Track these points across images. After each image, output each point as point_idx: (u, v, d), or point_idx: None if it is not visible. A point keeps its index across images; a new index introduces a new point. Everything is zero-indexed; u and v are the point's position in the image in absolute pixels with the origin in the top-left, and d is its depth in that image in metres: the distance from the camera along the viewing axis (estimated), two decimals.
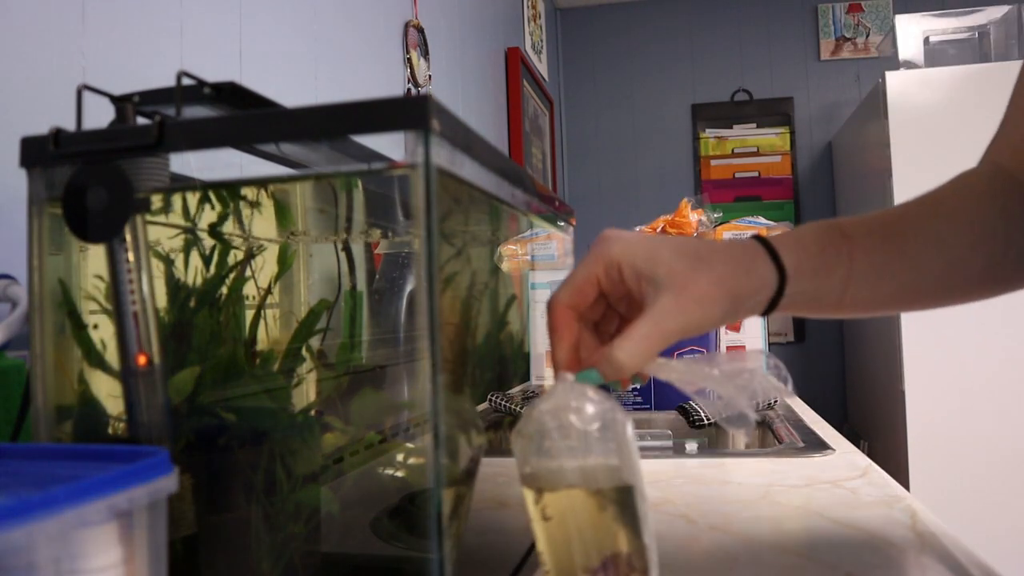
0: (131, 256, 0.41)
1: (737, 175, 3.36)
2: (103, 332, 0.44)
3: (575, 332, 0.48)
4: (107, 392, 0.44)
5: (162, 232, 0.45)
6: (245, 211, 0.47)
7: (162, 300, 0.44)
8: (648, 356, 0.46)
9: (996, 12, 2.56)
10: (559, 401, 0.43)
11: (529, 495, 0.44)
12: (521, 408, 0.62)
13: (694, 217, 1.86)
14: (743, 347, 1.66)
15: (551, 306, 0.48)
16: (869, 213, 0.54)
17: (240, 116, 0.42)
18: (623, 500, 0.43)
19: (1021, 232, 0.55)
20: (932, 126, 2.30)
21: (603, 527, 0.43)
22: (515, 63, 2.53)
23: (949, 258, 0.54)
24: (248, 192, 0.46)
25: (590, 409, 0.43)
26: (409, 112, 0.37)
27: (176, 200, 0.45)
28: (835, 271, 0.51)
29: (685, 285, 0.46)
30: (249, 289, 0.45)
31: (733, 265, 0.47)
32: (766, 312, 0.51)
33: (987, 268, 0.55)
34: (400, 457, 0.46)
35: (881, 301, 0.54)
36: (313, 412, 0.45)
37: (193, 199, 0.45)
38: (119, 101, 0.44)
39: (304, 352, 0.45)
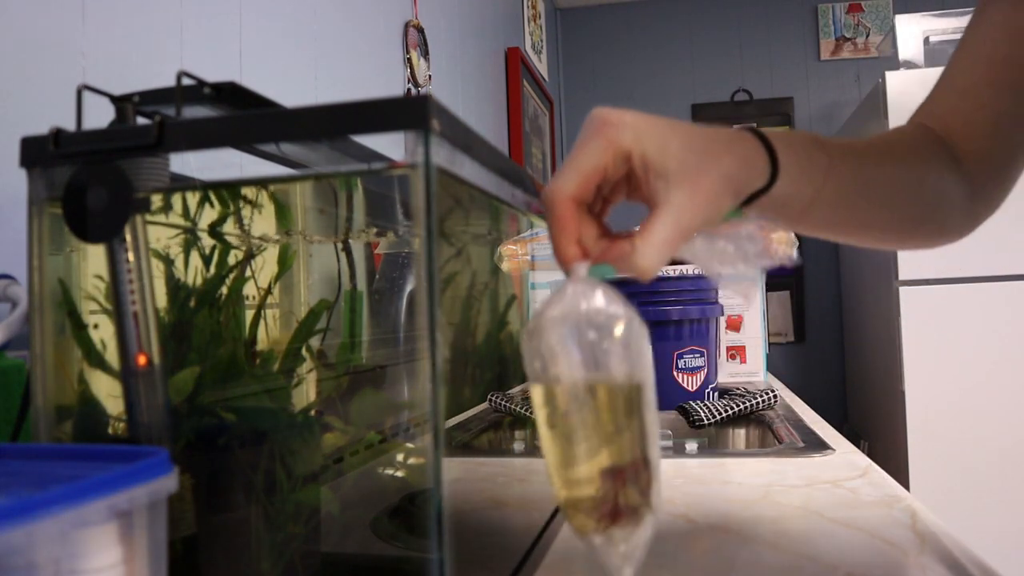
0: (131, 256, 0.41)
1: None
2: (103, 332, 0.44)
3: (579, 225, 0.46)
4: (107, 392, 0.44)
5: (162, 232, 0.45)
6: (245, 211, 0.47)
7: (162, 300, 0.44)
8: (668, 258, 0.45)
9: None
10: (572, 301, 0.42)
11: (537, 393, 0.42)
12: (521, 408, 0.62)
13: None
14: (743, 347, 1.67)
15: (553, 198, 0.46)
16: (843, 139, 0.56)
17: (240, 116, 0.42)
18: (631, 400, 0.42)
19: (944, 185, 0.58)
20: None
21: (609, 431, 0.42)
22: (515, 63, 2.53)
23: (897, 199, 0.56)
24: (248, 192, 0.46)
25: (603, 311, 0.42)
26: (409, 112, 0.37)
27: (176, 200, 0.45)
28: (810, 183, 0.52)
29: (697, 182, 0.45)
30: (249, 289, 0.45)
31: (739, 162, 0.47)
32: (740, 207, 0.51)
33: (924, 213, 0.58)
34: (400, 457, 0.46)
35: (834, 225, 0.56)
36: (313, 412, 0.45)
37: (193, 199, 0.45)
38: (119, 101, 0.44)
39: (304, 352, 0.45)
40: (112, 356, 0.43)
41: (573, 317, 0.42)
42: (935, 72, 2.47)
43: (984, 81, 0.57)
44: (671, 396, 1.27)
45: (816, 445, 0.93)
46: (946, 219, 0.60)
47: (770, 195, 0.50)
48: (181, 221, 0.45)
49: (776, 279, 3.20)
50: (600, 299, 0.42)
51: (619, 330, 0.42)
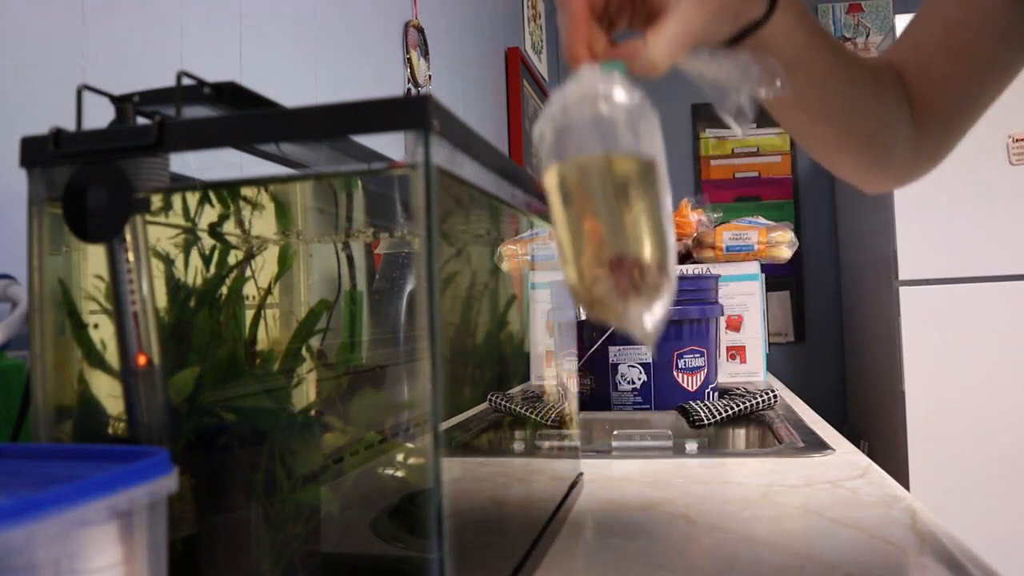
0: (131, 256, 0.41)
1: (737, 175, 3.36)
2: (103, 332, 0.44)
3: (591, 28, 0.47)
4: (107, 392, 0.44)
5: (162, 232, 0.45)
6: (245, 211, 0.47)
7: (162, 300, 0.44)
8: (678, 56, 0.47)
9: None
10: (588, 85, 0.43)
11: (551, 174, 0.43)
12: (521, 408, 0.62)
13: (694, 217, 1.86)
14: (743, 347, 1.66)
15: (565, 3, 0.47)
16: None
17: (240, 116, 0.42)
18: (644, 178, 0.43)
19: (898, 115, 0.60)
20: None
21: (622, 212, 0.42)
22: (515, 63, 2.53)
23: (858, 101, 0.58)
24: (248, 192, 0.46)
25: (621, 96, 0.43)
26: (409, 112, 0.37)
27: (176, 200, 0.45)
28: (797, 39, 0.54)
29: None
30: (249, 289, 0.45)
31: None
32: (733, 41, 0.53)
33: (875, 131, 0.60)
34: (400, 457, 0.46)
35: (801, 106, 0.58)
36: (313, 412, 0.45)
37: (193, 199, 0.45)
38: (119, 101, 0.44)
39: (304, 352, 0.45)
40: (112, 356, 0.43)
41: (590, 96, 0.43)
42: None
43: (936, 41, 0.58)
44: (671, 396, 1.27)
45: (816, 445, 0.93)
46: (891, 151, 0.61)
47: (761, 36, 0.52)
48: (181, 221, 0.45)
49: (776, 279, 3.20)
50: (615, 82, 0.44)
51: (633, 109, 0.43)
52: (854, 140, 0.61)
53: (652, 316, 0.42)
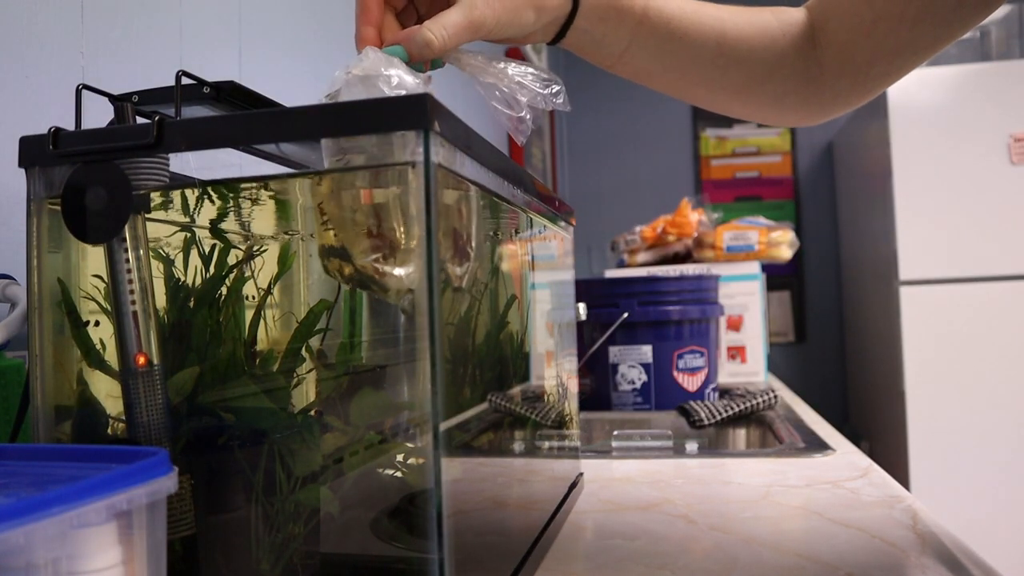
0: (130, 256, 0.41)
1: (737, 175, 3.36)
2: (103, 332, 0.44)
3: (381, 14, 0.52)
4: (107, 392, 0.44)
5: (162, 232, 0.45)
6: (245, 210, 0.47)
7: (162, 300, 0.44)
8: (454, 40, 0.50)
9: (998, 11, 2.55)
10: (371, 66, 0.45)
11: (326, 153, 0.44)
12: (522, 408, 0.62)
13: (694, 217, 1.86)
14: (743, 347, 1.66)
15: None
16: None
17: (240, 116, 0.42)
18: None
19: (779, 77, 0.61)
20: (933, 125, 2.31)
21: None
22: None
23: (716, 64, 0.60)
24: (248, 191, 0.46)
25: (398, 79, 0.45)
26: (409, 112, 0.37)
27: (176, 200, 0.45)
28: (623, 24, 0.57)
29: None
30: (249, 289, 0.45)
31: None
32: (557, 38, 0.57)
33: (742, 90, 0.62)
34: (400, 457, 0.46)
35: (653, 75, 0.61)
36: (313, 412, 0.45)
37: (192, 198, 0.45)
38: (118, 101, 0.44)
39: (304, 352, 0.45)
40: (112, 356, 0.43)
41: (370, 77, 0.45)
42: (936, 71, 2.45)
43: None
44: (671, 396, 1.27)
45: (817, 445, 0.93)
46: (782, 95, 0.62)
47: (580, 28, 0.56)
48: (181, 221, 0.45)
49: (777, 279, 3.20)
50: (394, 65, 0.46)
51: (411, 92, 0.45)
52: (731, 88, 0.62)
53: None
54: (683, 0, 0.59)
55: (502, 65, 0.52)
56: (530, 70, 0.53)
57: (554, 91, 0.53)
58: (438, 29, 0.50)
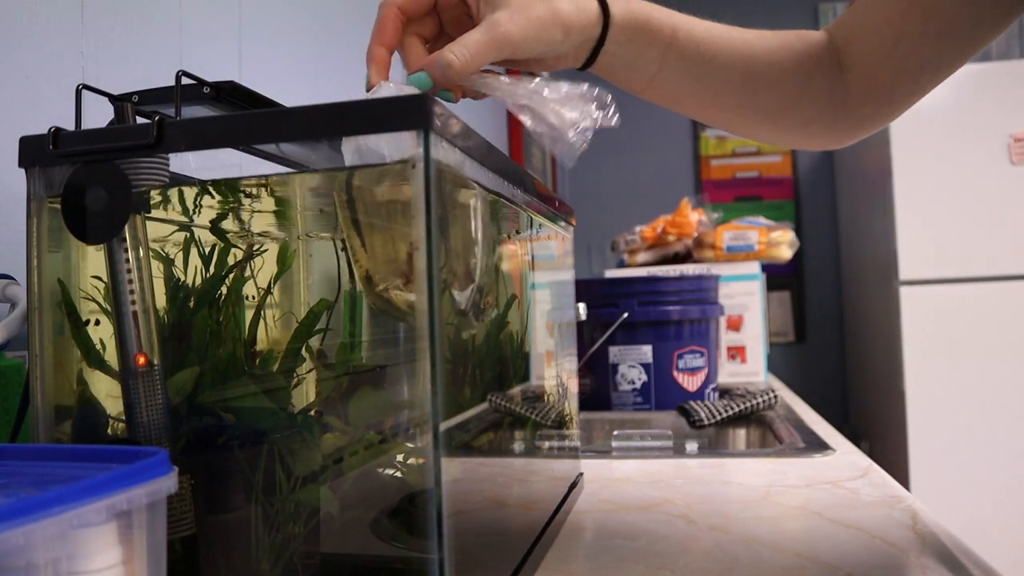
0: (130, 256, 0.41)
1: (737, 175, 3.36)
2: (103, 332, 0.44)
3: (397, 35, 0.51)
4: (107, 392, 0.44)
5: (162, 232, 0.45)
6: (245, 210, 0.47)
7: (162, 300, 0.44)
8: (477, 59, 0.48)
9: None
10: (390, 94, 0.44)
11: (339, 196, 0.44)
12: (522, 408, 0.62)
13: (694, 217, 1.86)
14: (743, 347, 1.66)
15: (382, 5, 0.51)
16: (703, 21, 0.59)
17: (240, 116, 0.42)
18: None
19: (807, 99, 0.61)
20: (933, 125, 2.30)
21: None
22: None
23: (745, 87, 0.60)
24: (247, 191, 0.46)
25: None
26: (409, 111, 0.37)
27: (175, 200, 0.45)
28: (653, 46, 0.56)
29: (522, 6, 0.49)
30: (249, 289, 0.45)
31: (568, 2, 0.52)
32: (588, 61, 0.56)
33: (771, 113, 0.62)
34: (400, 457, 0.46)
35: (683, 100, 0.60)
36: (313, 412, 0.45)
37: (192, 198, 0.45)
38: (118, 100, 0.44)
39: (304, 352, 0.45)
40: (112, 356, 0.43)
41: None
42: None
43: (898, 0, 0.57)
44: (671, 396, 1.27)
45: (817, 445, 0.93)
46: (810, 119, 0.62)
47: (610, 52, 0.55)
48: (180, 220, 0.45)
49: (777, 279, 3.20)
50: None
51: None
52: (759, 112, 0.61)
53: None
54: (710, 24, 0.59)
55: (533, 83, 0.50)
56: (568, 87, 0.51)
57: (602, 107, 0.52)
58: (459, 49, 0.48)
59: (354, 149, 0.40)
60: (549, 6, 0.51)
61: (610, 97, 0.52)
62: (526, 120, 0.51)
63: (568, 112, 0.51)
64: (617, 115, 0.52)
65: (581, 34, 0.53)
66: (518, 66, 0.56)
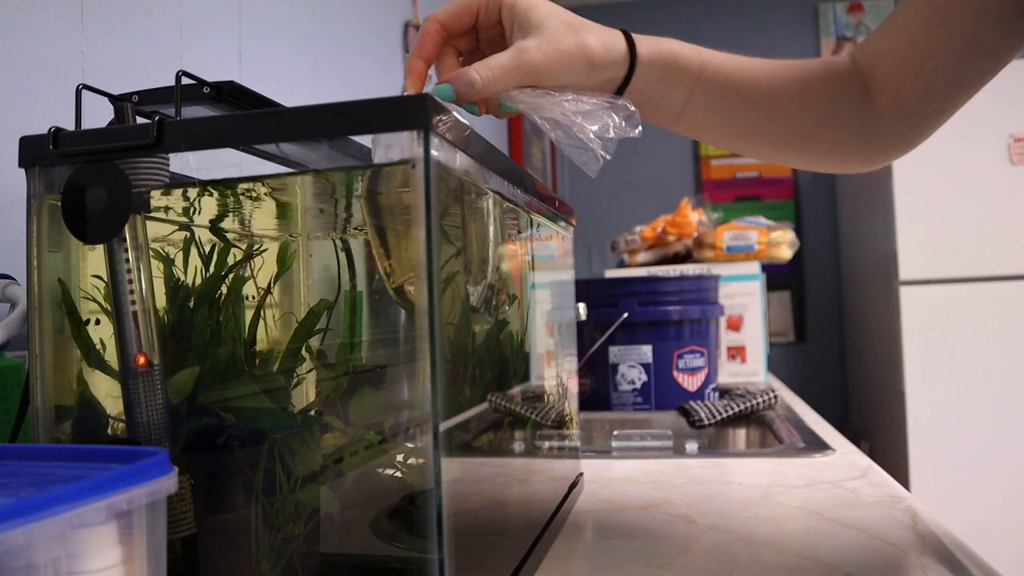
0: (130, 256, 0.41)
1: (738, 175, 3.36)
2: (103, 332, 0.44)
3: (437, 49, 0.54)
4: (107, 392, 0.44)
5: (162, 231, 0.45)
6: (245, 210, 0.47)
7: (162, 300, 0.44)
8: (499, 82, 0.50)
9: None
10: None
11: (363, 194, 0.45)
12: (522, 408, 0.62)
13: (694, 217, 1.86)
14: (743, 347, 1.66)
15: (425, 20, 0.53)
16: (728, 55, 0.60)
17: (240, 116, 0.42)
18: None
19: (836, 123, 0.61)
20: None
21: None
22: None
23: (774, 116, 0.60)
24: (247, 191, 0.46)
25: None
26: (409, 111, 0.37)
27: (175, 200, 0.45)
28: (681, 83, 0.57)
29: (552, 37, 0.51)
30: (249, 289, 0.45)
31: (598, 38, 0.54)
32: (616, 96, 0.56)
33: (801, 139, 0.62)
34: (400, 457, 0.46)
35: (713, 131, 0.61)
36: (313, 412, 0.45)
37: (192, 198, 0.45)
38: (118, 101, 0.44)
39: (304, 352, 0.45)
40: (112, 356, 0.43)
41: None
42: None
43: (921, 19, 0.57)
44: (671, 396, 1.27)
45: (817, 445, 0.93)
46: (841, 143, 0.62)
47: (637, 89, 0.56)
48: (180, 220, 0.45)
49: (776, 279, 3.20)
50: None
51: None
52: (791, 140, 0.62)
53: None
54: (736, 56, 0.59)
55: (557, 96, 0.51)
56: (594, 99, 0.52)
57: (625, 117, 0.52)
58: (484, 69, 0.50)
59: (384, 146, 0.40)
60: (578, 40, 0.52)
61: (632, 106, 0.53)
62: (550, 133, 0.52)
63: (591, 124, 0.51)
64: (640, 126, 0.53)
65: (607, 71, 0.54)
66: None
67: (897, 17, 0.59)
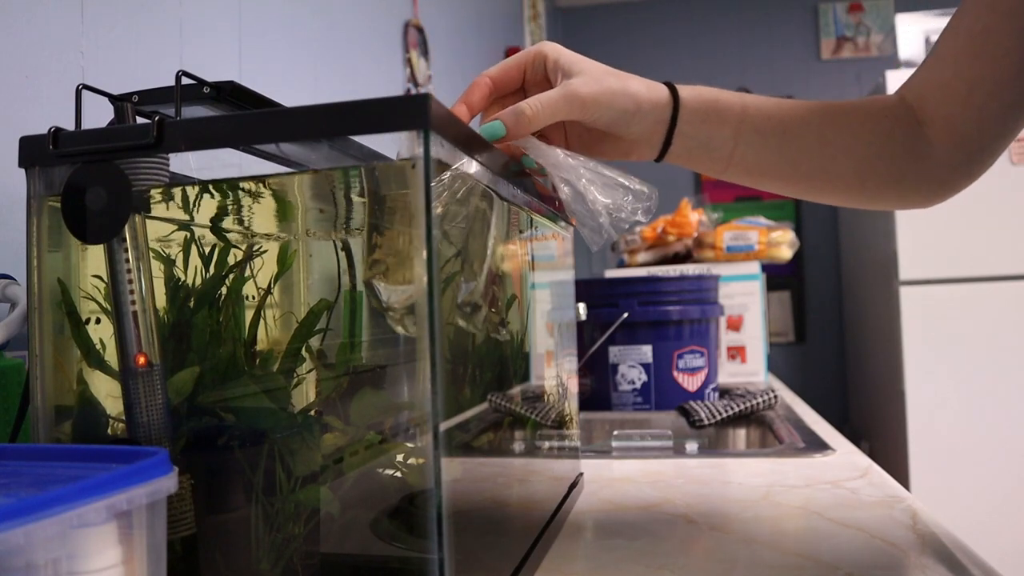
0: (130, 256, 0.41)
1: None
2: (103, 332, 0.44)
3: (484, 103, 0.57)
4: (107, 392, 0.44)
5: (162, 232, 0.45)
6: (245, 209, 0.47)
7: (162, 300, 0.44)
8: (548, 112, 0.53)
9: None
10: None
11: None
12: (522, 408, 0.62)
13: (694, 217, 1.86)
14: (743, 347, 1.66)
15: (480, 74, 0.57)
16: (770, 98, 0.60)
17: (240, 116, 0.42)
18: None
19: (889, 157, 0.61)
20: None
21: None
22: None
23: (825, 153, 0.60)
24: (247, 191, 0.46)
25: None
26: (408, 111, 0.37)
27: (175, 200, 0.45)
28: (725, 123, 0.58)
29: (597, 77, 0.54)
30: (249, 289, 0.45)
31: (639, 82, 0.57)
32: (665, 146, 0.58)
33: (855, 176, 0.61)
34: (400, 457, 0.46)
35: (765, 171, 0.61)
36: (313, 412, 0.45)
37: (192, 198, 0.45)
38: (118, 101, 0.44)
39: (304, 352, 0.45)
40: (112, 356, 0.43)
41: None
42: None
43: (964, 50, 0.57)
44: (671, 396, 1.27)
45: (817, 445, 0.93)
46: (898, 178, 0.61)
47: (687, 135, 0.57)
48: (181, 220, 0.45)
49: (776, 279, 3.20)
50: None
51: None
52: (844, 178, 0.61)
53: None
54: (777, 99, 0.60)
55: (580, 160, 0.53)
56: (615, 175, 0.53)
57: (643, 205, 0.53)
58: (533, 101, 0.52)
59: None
60: (621, 81, 0.55)
61: (652, 193, 0.54)
62: (563, 194, 0.53)
63: (605, 198, 0.52)
64: (651, 214, 0.54)
65: (652, 112, 0.56)
66: (593, 146, 0.59)
67: (939, 49, 0.59)
